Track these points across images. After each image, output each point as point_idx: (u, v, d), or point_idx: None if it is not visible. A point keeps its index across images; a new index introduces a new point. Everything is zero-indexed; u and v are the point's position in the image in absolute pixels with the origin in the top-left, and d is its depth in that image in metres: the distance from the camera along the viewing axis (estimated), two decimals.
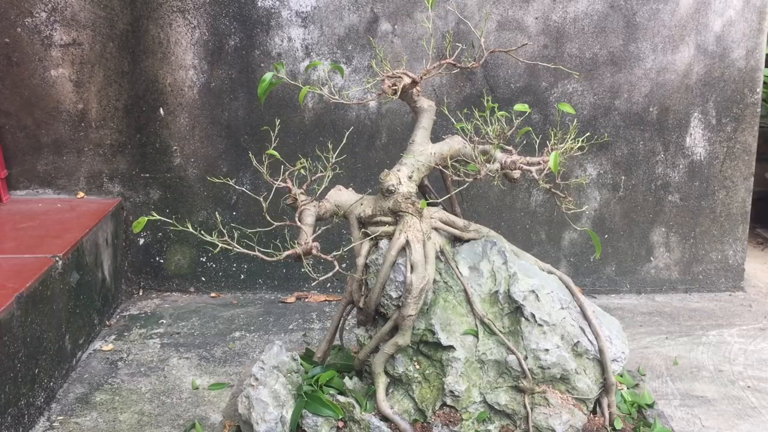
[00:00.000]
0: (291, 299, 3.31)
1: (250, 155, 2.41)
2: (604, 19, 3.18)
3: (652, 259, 3.40)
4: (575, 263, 3.39)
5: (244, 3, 3.14)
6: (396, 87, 1.98)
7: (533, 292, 1.98)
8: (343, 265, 1.81)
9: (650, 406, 2.14)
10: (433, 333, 1.96)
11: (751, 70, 3.25)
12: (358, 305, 2.03)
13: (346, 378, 2.04)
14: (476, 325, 1.98)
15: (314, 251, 1.79)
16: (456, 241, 2.09)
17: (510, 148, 2.03)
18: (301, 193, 1.93)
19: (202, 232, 1.76)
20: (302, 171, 1.90)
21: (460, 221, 2.07)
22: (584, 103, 3.25)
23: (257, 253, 1.78)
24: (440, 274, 2.00)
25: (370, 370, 2.00)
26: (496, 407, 1.96)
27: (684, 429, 2.34)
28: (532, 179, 2.06)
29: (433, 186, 2.17)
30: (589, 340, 1.99)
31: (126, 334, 2.98)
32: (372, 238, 1.99)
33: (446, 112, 2.14)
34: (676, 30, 3.20)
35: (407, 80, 2.00)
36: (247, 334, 2.98)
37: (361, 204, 2.00)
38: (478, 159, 1.99)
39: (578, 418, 1.96)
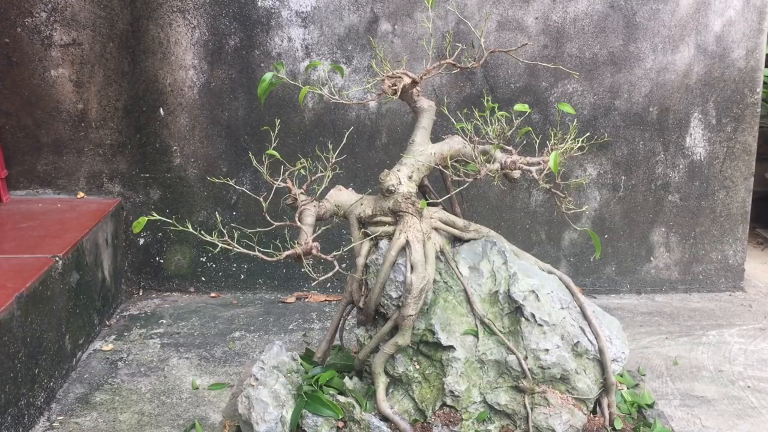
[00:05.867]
0: (291, 299, 3.31)
1: (250, 155, 2.41)
2: (604, 19, 3.18)
3: (652, 259, 3.40)
4: (575, 263, 3.39)
5: (244, 3, 3.14)
6: (396, 87, 1.98)
7: (533, 292, 1.98)
8: (343, 265, 1.82)
9: (650, 406, 2.14)
10: (433, 333, 1.96)
11: (751, 70, 3.25)
12: (358, 305, 2.03)
13: (346, 378, 2.04)
14: (476, 325, 1.98)
15: (314, 251, 1.79)
16: (456, 241, 2.09)
17: (510, 148, 2.03)
18: (301, 193, 1.93)
19: (202, 232, 1.76)
20: (302, 171, 1.90)
21: (460, 221, 2.07)
22: (584, 103, 3.25)
23: (257, 253, 1.78)
24: (440, 274, 2.01)
25: (370, 370, 2.00)
26: (496, 407, 1.96)
27: (684, 429, 2.34)
28: (532, 179, 2.06)
29: (433, 186, 2.17)
30: (589, 340, 1.99)
31: (126, 334, 2.98)
32: (372, 238, 1.99)
33: (446, 112, 2.14)
34: (676, 30, 3.20)
35: (407, 80, 2.00)
36: (247, 334, 2.98)
37: (361, 204, 2.00)
38: (478, 159, 1.99)
39: (578, 418, 1.96)
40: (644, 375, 2.65)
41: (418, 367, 1.99)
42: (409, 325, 1.91)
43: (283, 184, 1.90)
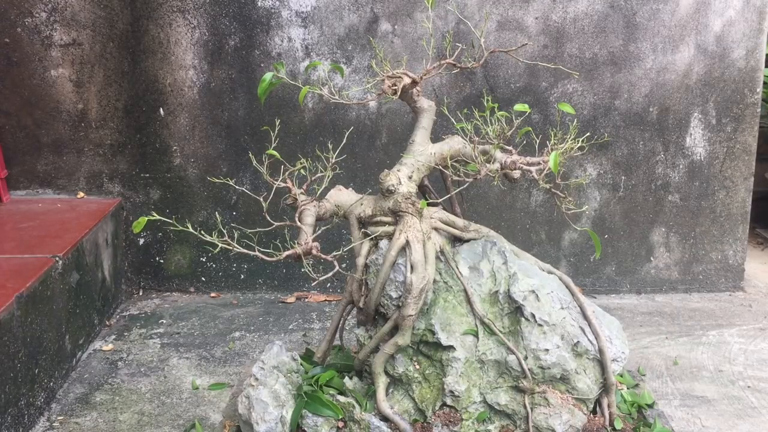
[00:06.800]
0: (291, 299, 3.31)
1: (250, 155, 2.41)
2: (604, 19, 3.18)
3: (652, 259, 3.40)
4: (575, 263, 3.39)
5: (244, 3, 3.14)
6: (396, 87, 1.98)
7: (533, 292, 1.98)
8: (343, 265, 1.81)
9: (650, 406, 2.14)
10: (433, 333, 1.96)
11: (751, 70, 3.25)
12: (358, 305, 2.03)
13: (346, 378, 2.04)
14: (476, 325, 1.98)
15: (314, 251, 1.79)
16: (456, 241, 2.09)
17: (510, 148, 2.03)
18: (301, 193, 1.93)
19: (202, 232, 1.76)
20: (302, 171, 1.90)
21: (460, 221, 2.07)
22: (584, 103, 3.25)
23: (257, 253, 1.78)
24: (440, 274, 2.00)
25: (370, 370, 2.00)
26: (496, 407, 1.96)
27: (684, 429, 2.34)
28: (532, 179, 2.06)
29: (433, 186, 2.17)
30: (589, 340, 1.99)
31: (126, 334, 2.98)
32: (372, 238, 1.99)
33: (446, 112, 2.14)
34: (676, 30, 3.20)
35: (407, 80, 2.00)
36: (247, 334, 2.98)
37: (361, 204, 2.00)
38: (478, 159, 1.99)
39: (578, 418, 1.96)
40: (644, 375, 2.65)
41: (418, 367, 1.99)
42: (409, 325, 1.91)
43: (283, 184, 1.90)
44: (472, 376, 1.97)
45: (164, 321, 3.10)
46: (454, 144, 2.06)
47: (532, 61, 3.15)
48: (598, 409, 2.04)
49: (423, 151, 2.04)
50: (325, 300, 3.31)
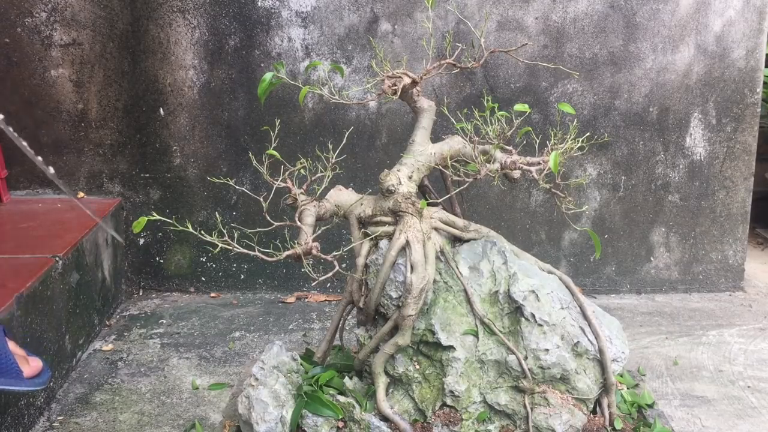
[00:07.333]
0: (291, 299, 3.31)
1: (250, 155, 2.41)
2: (604, 19, 3.18)
3: (652, 259, 3.40)
4: (575, 263, 3.39)
5: (244, 3, 3.14)
6: (396, 87, 1.98)
7: (533, 292, 1.98)
8: (343, 265, 1.81)
9: (650, 406, 2.14)
10: (433, 333, 1.96)
11: (751, 70, 3.25)
12: (358, 305, 2.03)
13: (346, 378, 2.04)
14: (476, 325, 1.98)
15: (314, 251, 1.79)
16: (456, 241, 2.09)
17: (510, 148, 2.03)
18: (301, 193, 1.93)
19: (202, 232, 1.76)
20: (302, 171, 1.90)
21: (460, 221, 2.07)
22: (584, 103, 3.25)
23: (257, 253, 1.78)
24: (440, 274, 2.00)
25: (370, 370, 2.00)
26: (496, 407, 1.96)
27: (684, 429, 2.34)
28: (532, 179, 2.06)
29: (433, 186, 2.17)
30: (589, 340, 1.99)
31: (126, 334, 2.98)
32: (372, 238, 1.99)
33: (446, 112, 2.14)
34: (676, 30, 3.20)
35: (407, 80, 1.99)
36: (247, 334, 2.98)
37: (361, 204, 2.00)
38: (478, 159, 1.99)
39: (578, 418, 1.96)
40: (644, 375, 2.65)
41: (418, 367, 1.99)
42: (409, 325, 1.91)
43: (283, 184, 1.90)
44: (472, 376, 1.97)
45: (164, 321, 3.10)
46: (454, 144, 2.06)
47: (532, 61, 3.15)
48: (598, 409, 2.04)
49: (423, 151, 2.03)
50: (325, 300, 3.31)
